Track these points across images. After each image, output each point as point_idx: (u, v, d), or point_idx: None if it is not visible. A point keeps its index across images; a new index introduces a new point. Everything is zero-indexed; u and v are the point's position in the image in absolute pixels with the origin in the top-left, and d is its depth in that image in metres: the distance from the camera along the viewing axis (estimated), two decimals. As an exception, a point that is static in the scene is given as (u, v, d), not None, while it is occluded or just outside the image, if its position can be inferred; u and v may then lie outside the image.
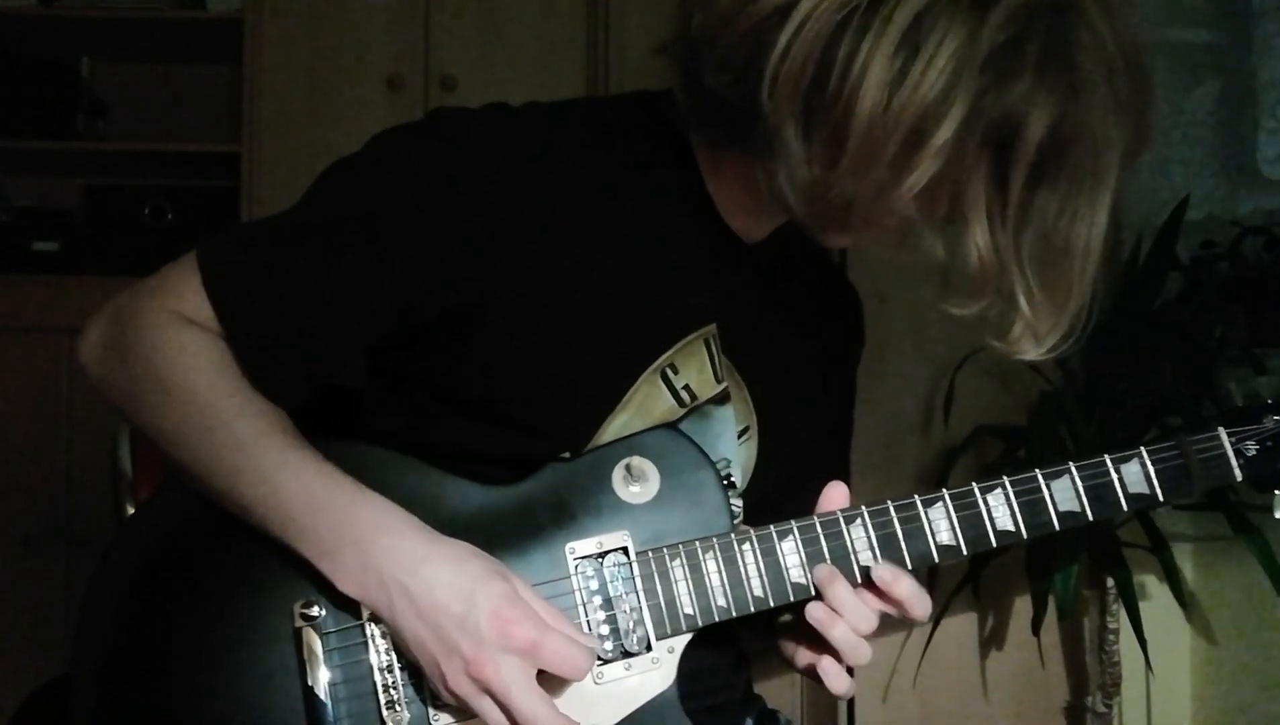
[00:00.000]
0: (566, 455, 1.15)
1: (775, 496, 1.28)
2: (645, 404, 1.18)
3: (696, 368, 1.21)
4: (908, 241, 1.10)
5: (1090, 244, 1.05)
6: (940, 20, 0.97)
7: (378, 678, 1.07)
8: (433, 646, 1.02)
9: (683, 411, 1.21)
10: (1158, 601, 2.50)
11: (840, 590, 1.12)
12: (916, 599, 1.14)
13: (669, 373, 1.19)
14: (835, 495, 1.17)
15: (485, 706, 1.02)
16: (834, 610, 1.13)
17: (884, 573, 1.13)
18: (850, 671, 1.18)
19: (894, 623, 1.17)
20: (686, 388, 1.20)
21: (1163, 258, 2.39)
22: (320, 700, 1.06)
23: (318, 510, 1.06)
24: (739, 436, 1.26)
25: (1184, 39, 2.64)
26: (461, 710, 1.05)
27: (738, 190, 1.21)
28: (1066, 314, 1.07)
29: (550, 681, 1.05)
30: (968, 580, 2.41)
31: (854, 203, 1.05)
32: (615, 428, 1.17)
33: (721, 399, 1.23)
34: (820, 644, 1.16)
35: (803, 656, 1.20)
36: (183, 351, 1.11)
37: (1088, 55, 1.00)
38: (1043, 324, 1.07)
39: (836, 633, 1.13)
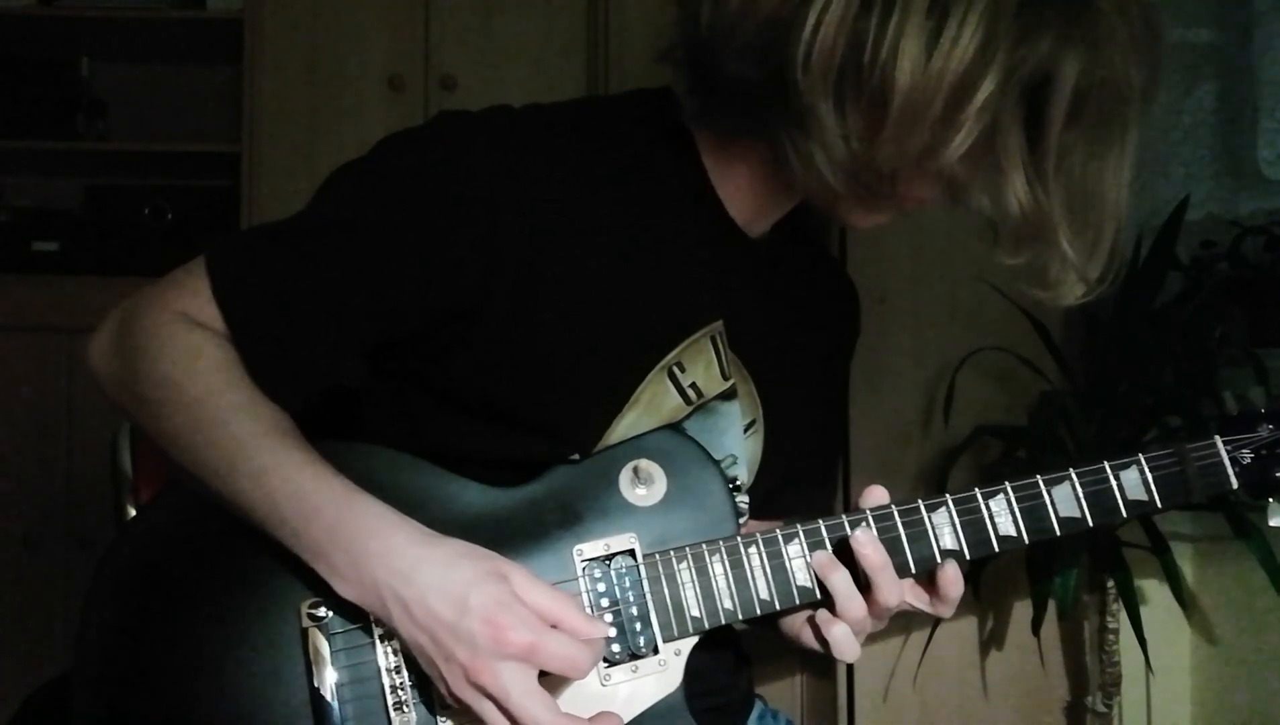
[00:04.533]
0: (575, 457, 1.16)
1: (778, 488, 1.29)
2: (653, 402, 1.19)
3: (704, 365, 1.21)
4: (958, 202, 1.11)
5: (1120, 185, 1.08)
6: None
7: (385, 679, 1.08)
8: (431, 652, 1.02)
9: (689, 409, 1.21)
10: (1158, 601, 2.50)
11: (838, 579, 1.13)
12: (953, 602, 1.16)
13: (675, 371, 1.20)
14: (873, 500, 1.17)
15: (488, 710, 1.02)
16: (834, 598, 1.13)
17: (950, 570, 1.15)
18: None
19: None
20: (694, 386, 1.21)
21: (1163, 258, 2.38)
22: (327, 701, 1.07)
23: (311, 514, 1.05)
24: (745, 430, 1.26)
25: (1184, 39, 2.64)
26: (465, 713, 1.05)
27: (746, 181, 1.22)
28: (1101, 254, 1.10)
29: (556, 684, 1.06)
30: (968, 581, 2.39)
31: (899, 171, 1.06)
32: (624, 427, 1.18)
33: (728, 395, 1.24)
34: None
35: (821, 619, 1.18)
36: (185, 352, 1.11)
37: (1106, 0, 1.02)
38: (1082, 265, 1.09)
39: (836, 632, 1.14)
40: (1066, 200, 1.06)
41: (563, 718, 1.01)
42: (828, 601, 1.14)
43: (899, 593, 1.13)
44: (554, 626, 1.03)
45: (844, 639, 1.14)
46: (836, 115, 1.04)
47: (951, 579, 1.15)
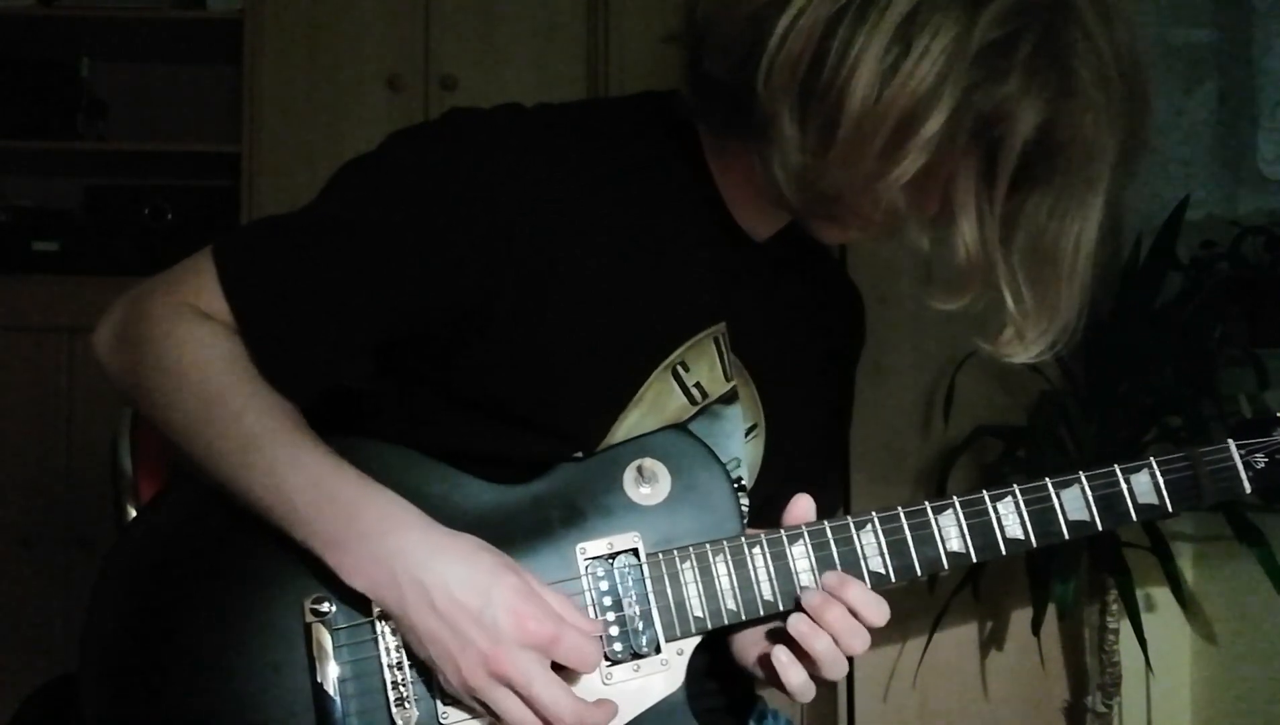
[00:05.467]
0: (579, 455, 1.16)
1: (779, 492, 1.29)
2: (657, 402, 1.19)
3: (707, 366, 1.22)
4: (895, 233, 1.11)
5: (1079, 250, 1.07)
6: (934, 15, 0.98)
7: (387, 674, 1.08)
8: (448, 641, 1.03)
9: (694, 409, 1.21)
10: (1158, 601, 2.51)
11: (819, 644, 1.10)
12: (869, 605, 1.11)
13: (680, 370, 1.20)
14: (801, 507, 1.16)
15: (502, 697, 1.02)
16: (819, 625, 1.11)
17: (831, 578, 1.12)
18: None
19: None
20: (698, 386, 1.21)
21: (1163, 258, 2.39)
22: (330, 696, 1.07)
23: (325, 504, 1.06)
24: (747, 434, 1.26)
25: (1184, 39, 2.64)
26: (471, 707, 1.06)
27: (743, 183, 1.22)
28: (1056, 319, 1.08)
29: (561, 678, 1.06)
30: (968, 581, 2.41)
31: (843, 193, 1.06)
32: (628, 426, 1.18)
33: (730, 397, 1.24)
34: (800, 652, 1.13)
35: (779, 659, 1.13)
36: (195, 344, 1.11)
37: (1081, 60, 1.01)
38: (1030, 328, 1.08)
39: (820, 645, 1.10)
40: (1023, 258, 1.06)
41: (579, 703, 1.03)
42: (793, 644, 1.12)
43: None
44: None
45: (805, 688, 1.12)
46: (795, 127, 1.05)
47: (834, 585, 1.12)
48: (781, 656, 1.11)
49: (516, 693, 1.02)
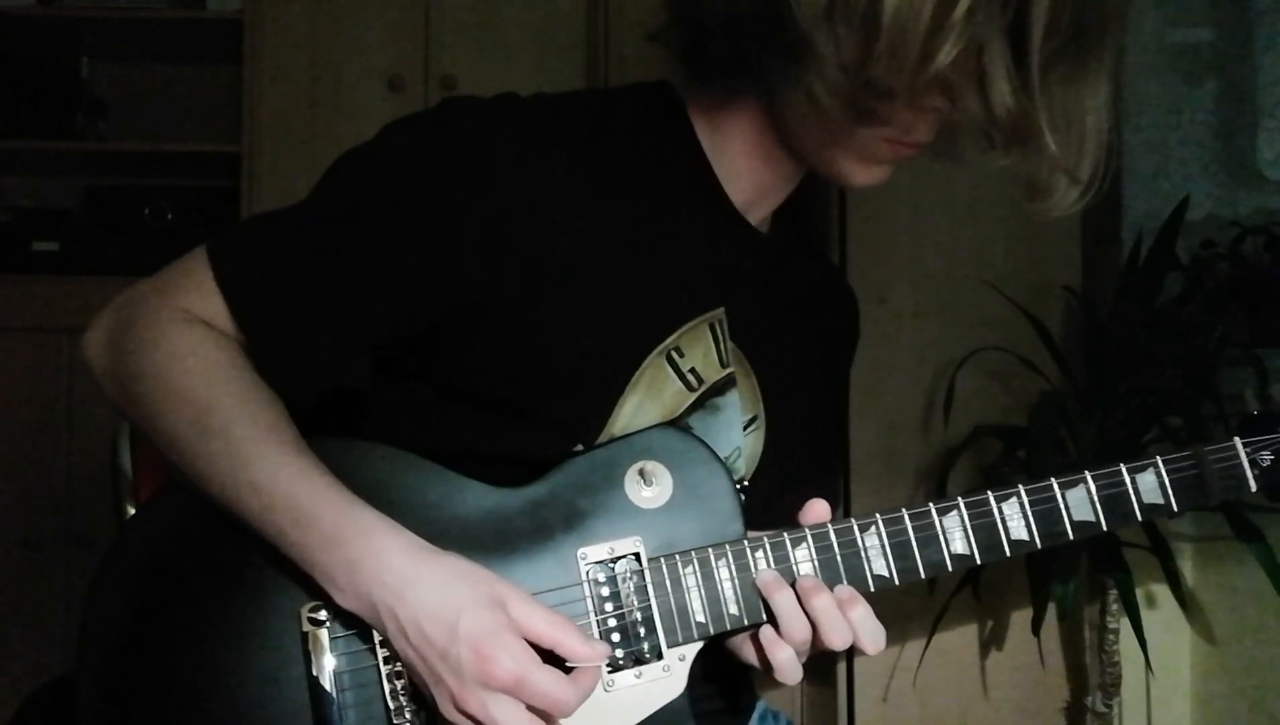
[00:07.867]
0: (579, 448, 1.15)
1: (779, 493, 1.28)
2: (653, 387, 1.19)
3: (702, 351, 1.22)
4: (956, 110, 1.11)
5: (1099, 107, 1.10)
6: None
7: (385, 684, 1.07)
8: (423, 673, 1.02)
9: (692, 395, 1.21)
10: (1158, 601, 2.51)
11: (782, 599, 1.11)
12: (866, 629, 1.11)
13: (674, 355, 1.19)
14: (816, 511, 1.16)
15: None
16: (774, 618, 1.11)
17: (843, 592, 1.11)
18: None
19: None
20: (693, 371, 1.21)
21: (1163, 258, 2.39)
22: (328, 706, 1.06)
23: (307, 526, 1.04)
24: (746, 427, 1.26)
25: (1184, 39, 2.64)
26: None
27: (743, 156, 1.23)
28: (1089, 156, 1.11)
29: None
30: (968, 581, 2.41)
31: (895, 89, 1.07)
32: (627, 411, 1.17)
33: (727, 385, 1.23)
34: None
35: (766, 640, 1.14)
36: (184, 350, 1.10)
37: None
38: (1071, 163, 1.10)
39: (798, 634, 1.10)
40: (1050, 112, 1.07)
41: None
42: (774, 621, 1.12)
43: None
44: (551, 650, 1.02)
45: (788, 664, 1.11)
46: (831, 41, 1.05)
47: (845, 600, 1.12)
48: (768, 633, 1.11)
49: None
